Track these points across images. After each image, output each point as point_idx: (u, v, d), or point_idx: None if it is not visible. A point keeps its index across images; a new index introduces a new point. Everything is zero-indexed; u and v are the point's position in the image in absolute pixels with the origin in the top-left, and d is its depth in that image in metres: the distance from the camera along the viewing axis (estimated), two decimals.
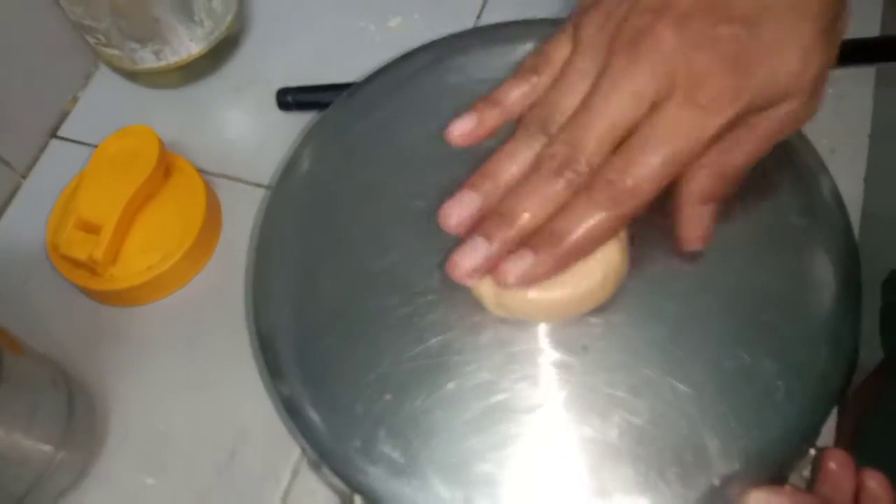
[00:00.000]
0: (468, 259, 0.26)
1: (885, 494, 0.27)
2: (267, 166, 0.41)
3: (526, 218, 0.26)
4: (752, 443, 0.26)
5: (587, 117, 0.26)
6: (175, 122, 0.43)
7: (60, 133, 0.45)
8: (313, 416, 0.29)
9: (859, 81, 0.41)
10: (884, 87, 0.42)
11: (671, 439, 0.27)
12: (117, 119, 0.40)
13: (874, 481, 0.27)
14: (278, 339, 0.31)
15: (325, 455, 0.29)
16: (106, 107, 0.45)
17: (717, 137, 0.25)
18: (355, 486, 0.28)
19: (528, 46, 0.35)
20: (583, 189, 0.26)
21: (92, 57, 0.46)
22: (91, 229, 0.37)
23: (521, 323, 0.29)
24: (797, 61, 0.25)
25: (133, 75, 0.44)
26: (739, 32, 0.25)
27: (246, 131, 0.44)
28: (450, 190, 0.31)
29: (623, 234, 0.29)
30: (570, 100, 0.27)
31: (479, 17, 0.45)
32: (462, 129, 0.29)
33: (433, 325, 0.30)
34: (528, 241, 0.26)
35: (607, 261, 0.28)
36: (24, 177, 0.43)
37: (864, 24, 0.42)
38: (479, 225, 0.27)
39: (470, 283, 0.27)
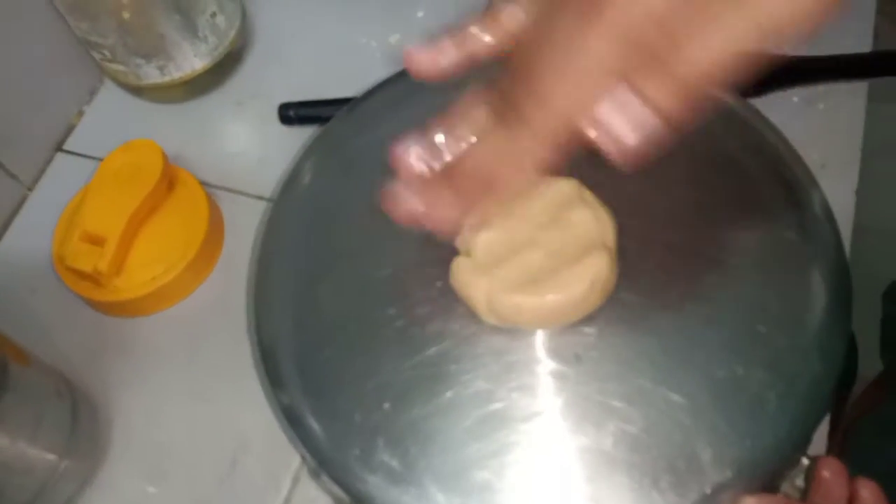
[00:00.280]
0: (413, 203, 0.26)
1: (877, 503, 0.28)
2: (269, 179, 0.42)
3: (464, 160, 0.25)
4: (743, 452, 0.27)
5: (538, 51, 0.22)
6: (179, 136, 0.44)
7: (66, 147, 0.45)
8: (313, 424, 0.30)
9: (851, 96, 0.42)
10: (876, 101, 0.43)
11: (664, 448, 0.27)
12: (122, 133, 0.41)
13: (867, 490, 0.28)
14: (279, 349, 0.31)
15: (324, 463, 0.29)
16: (111, 121, 0.46)
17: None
18: (354, 495, 0.29)
19: None
20: None
21: (97, 72, 0.47)
22: (96, 241, 0.37)
23: (516, 333, 0.30)
24: None
25: (138, 90, 0.45)
26: None
27: (248, 145, 0.45)
28: None
29: (612, 244, 0.30)
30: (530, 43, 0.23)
31: None
32: (424, 56, 0.27)
33: (430, 335, 0.30)
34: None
35: (595, 268, 0.29)
36: (30, 189, 0.44)
37: (856, 39, 0.43)
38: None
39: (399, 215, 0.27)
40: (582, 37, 0.21)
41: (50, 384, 0.33)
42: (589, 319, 0.30)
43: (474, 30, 0.26)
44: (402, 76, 0.37)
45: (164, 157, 0.39)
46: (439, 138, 0.27)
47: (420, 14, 0.47)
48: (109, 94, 0.47)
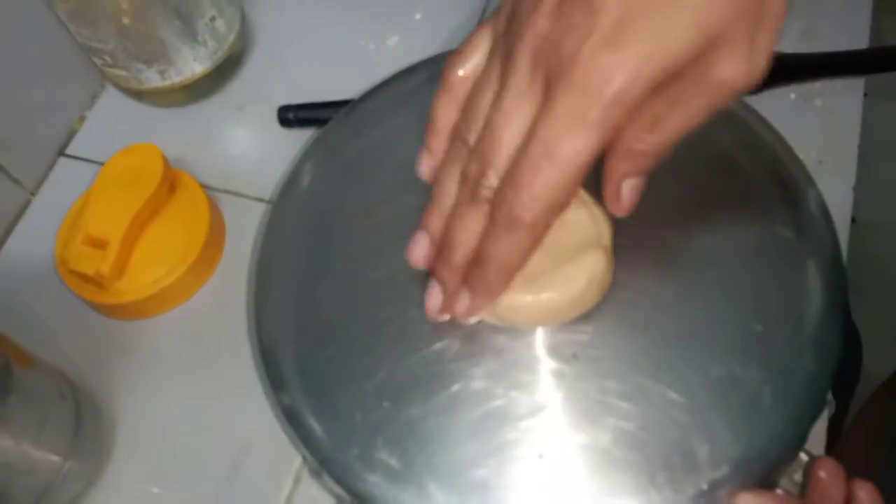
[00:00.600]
0: (431, 302, 0.29)
1: None
2: (269, 182, 0.42)
3: (460, 250, 0.26)
4: (740, 448, 0.27)
5: (489, 130, 0.24)
6: (180, 140, 0.44)
7: (68, 151, 0.46)
8: (313, 424, 0.30)
9: (848, 93, 0.42)
10: (873, 98, 0.43)
11: (661, 445, 0.27)
12: (123, 137, 0.41)
13: (864, 492, 0.28)
14: (279, 350, 0.32)
15: (324, 463, 0.30)
16: (112, 125, 0.46)
17: (610, 121, 0.22)
18: (355, 493, 0.29)
19: None
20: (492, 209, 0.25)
21: (99, 77, 0.47)
22: (98, 245, 0.38)
23: (514, 331, 0.30)
24: (687, 19, 0.21)
25: (139, 95, 0.45)
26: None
27: (249, 148, 0.45)
28: None
29: (608, 242, 0.30)
30: (482, 108, 0.25)
31: None
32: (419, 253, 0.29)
33: (429, 334, 0.31)
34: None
35: (591, 267, 0.29)
36: (33, 194, 0.44)
37: (852, 35, 0.43)
38: (434, 262, 0.28)
39: (443, 319, 0.29)
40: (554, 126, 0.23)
41: (53, 386, 0.34)
42: (586, 317, 0.30)
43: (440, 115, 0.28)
44: (399, 77, 0.38)
45: (165, 160, 0.39)
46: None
47: (418, 16, 0.47)
48: (111, 99, 0.47)
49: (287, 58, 0.47)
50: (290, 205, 0.35)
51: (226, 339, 0.38)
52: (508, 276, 0.27)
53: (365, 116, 0.37)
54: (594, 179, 0.31)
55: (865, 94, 0.42)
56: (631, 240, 0.31)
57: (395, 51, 0.46)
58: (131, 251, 0.39)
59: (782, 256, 0.31)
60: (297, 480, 0.35)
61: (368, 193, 0.35)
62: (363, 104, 0.37)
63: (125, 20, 0.40)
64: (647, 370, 0.29)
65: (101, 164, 0.40)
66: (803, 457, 0.29)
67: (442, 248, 0.27)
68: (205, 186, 0.42)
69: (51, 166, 0.45)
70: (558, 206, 0.24)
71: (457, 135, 0.26)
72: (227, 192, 0.43)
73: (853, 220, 0.38)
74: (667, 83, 0.22)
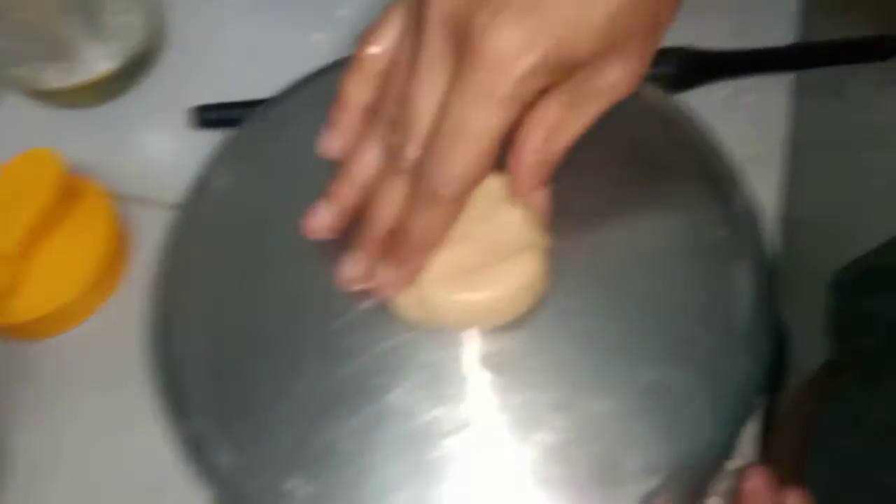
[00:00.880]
0: (349, 272, 0.28)
1: None
2: (184, 187, 0.39)
3: (383, 223, 0.26)
4: (669, 458, 0.26)
5: (407, 101, 0.24)
6: (88, 144, 0.42)
7: None
8: (219, 455, 0.28)
9: (776, 89, 0.41)
10: (803, 94, 0.43)
11: (590, 458, 0.26)
12: (25, 141, 0.38)
13: (793, 499, 0.27)
14: (181, 373, 0.29)
15: (235, 496, 0.27)
16: (12, 129, 0.43)
17: (519, 98, 0.22)
18: None
19: None
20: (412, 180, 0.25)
21: None
22: None
23: (440, 341, 0.28)
24: (602, 14, 0.21)
25: (41, 95, 0.42)
26: None
27: (162, 151, 0.42)
28: None
29: (542, 243, 0.29)
30: (401, 76, 0.25)
31: None
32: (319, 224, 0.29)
33: (349, 348, 0.29)
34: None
35: (527, 267, 0.28)
36: None
37: (781, 32, 0.43)
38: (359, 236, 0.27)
39: (352, 289, 0.28)
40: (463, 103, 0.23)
41: None
42: (517, 324, 0.29)
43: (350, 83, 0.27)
44: (319, 75, 0.36)
45: (62, 166, 0.36)
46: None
47: (342, 12, 0.46)
48: (12, 100, 0.44)
49: (204, 55, 0.44)
50: (198, 211, 0.33)
51: (130, 361, 0.35)
52: (429, 248, 0.26)
53: (282, 115, 0.34)
54: None
55: (796, 90, 0.42)
56: (560, 241, 0.30)
57: (318, 48, 0.44)
58: (26, 265, 0.36)
59: (711, 256, 0.30)
60: None
61: (284, 198, 0.32)
62: (280, 102, 0.35)
63: (20, 14, 0.38)
64: (575, 380, 0.27)
65: None
66: (736, 462, 0.29)
67: (366, 221, 0.27)
68: (115, 194, 0.39)
69: None
70: (474, 181, 0.24)
71: (377, 108, 0.26)
72: (139, 199, 0.40)
73: (782, 217, 0.38)
74: (559, 81, 0.23)
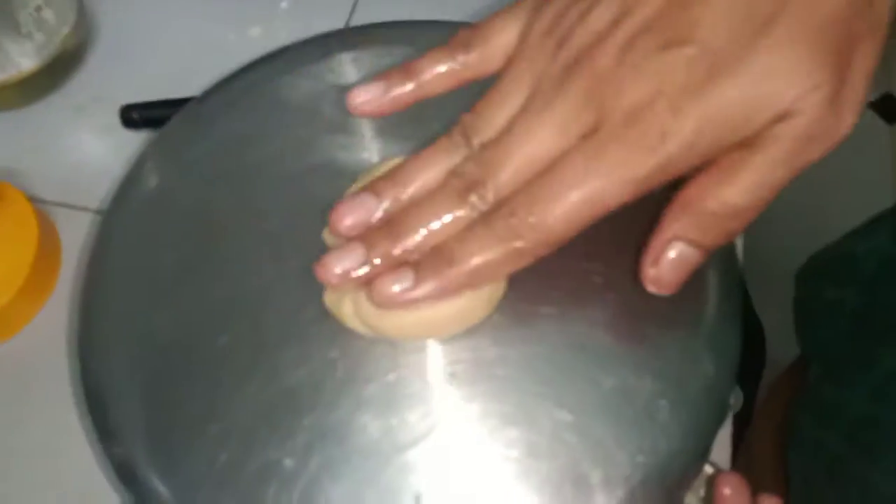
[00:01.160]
0: (340, 262, 0.23)
1: None
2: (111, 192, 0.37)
3: (416, 236, 0.23)
4: (636, 468, 0.24)
5: (507, 142, 0.23)
6: (9, 147, 0.39)
7: None
8: (151, 479, 0.25)
9: None
10: None
11: (551, 472, 0.24)
12: None
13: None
14: (109, 392, 0.27)
15: None
16: None
17: (652, 178, 0.21)
18: None
19: (395, 50, 0.33)
20: (484, 217, 0.22)
21: None
22: None
23: (386, 353, 0.26)
24: (772, 79, 0.20)
25: None
26: (693, 54, 0.20)
27: (90, 154, 0.39)
28: (304, 208, 0.28)
29: None
30: (499, 113, 0.23)
31: (347, 24, 0.43)
32: (365, 97, 0.24)
33: (287, 361, 0.26)
34: (413, 261, 0.23)
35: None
36: None
37: None
38: (367, 231, 0.23)
39: (333, 286, 0.24)
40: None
41: None
42: (472, 330, 0.27)
43: (436, 69, 0.24)
44: (248, 70, 0.33)
45: None
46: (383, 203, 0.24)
47: (283, 5, 0.43)
48: None
49: (135, 52, 0.42)
50: (123, 216, 0.30)
51: (63, 381, 0.32)
52: (471, 283, 0.23)
53: (210, 113, 0.32)
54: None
55: None
56: None
57: (257, 42, 0.42)
58: None
59: None
60: None
61: (215, 200, 0.30)
62: (208, 99, 0.32)
63: None
64: (533, 388, 0.25)
65: None
66: (708, 469, 0.27)
67: (391, 224, 0.23)
68: (38, 199, 0.36)
69: None
70: (565, 239, 0.22)
71: (458, 129, 0.24)
72: (64, 205, 0.37)
73: None
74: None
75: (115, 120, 0.39)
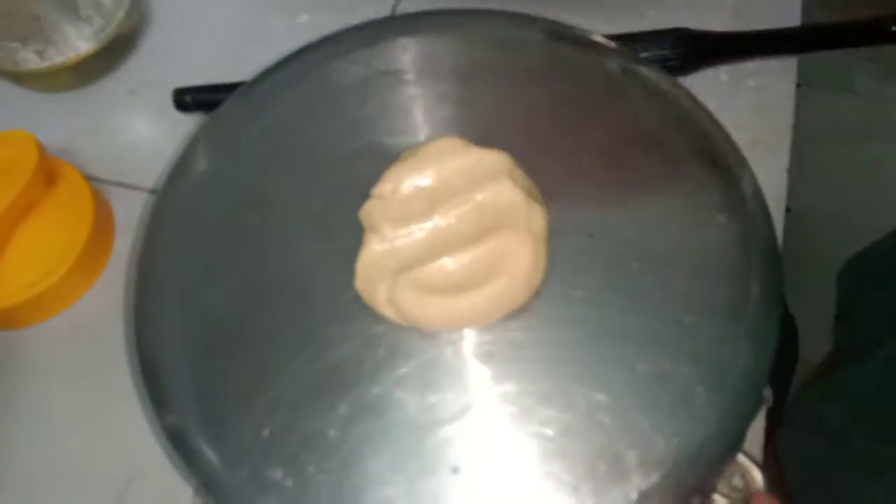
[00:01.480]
0: None
1: None
2: (165, 172, 0.38)
3: None
4: (670, 452, 0.25)
5: None
6: (66, 127, 0.40)
7: None
8: (201, 445, 0.26)
9: (780, 73, 0.40)
10: (806, 86, 0.41)
11: (586, 452, 0.25)
12: (1, 124, 0.37)
13: None
14: (162, 363, 0.28)
15: (213, 487, 0.26)
16: None
17: None
18: None
19: (441, 37, 0.33)
20: None
21: None
22: None
23: (425, 333, 0.27)
24: None
25: (18, 77, 0.41)
26: None
27: (143, 135, 0.41)
28: (350, 189, 0.29)
29: (539, 230, 0.27)
30: None
31: (393, 12, 0.43)
32: None
33: (331, 338, 0.27)
34: None
35: (514, 267, 0.26)
36: None
37: (784, 14, 0.42)
38: None
39: None
40: None
41: None
42: (509, 315, 0.27)
43: None
44: (298, 55, 0.34)
45: (40, 149, 0.35)
46: None
47: None
48: None
49: (187, 37, 0.43)
50: (177, 196, 0.31)
51: (113, 351, 0.34)
52: None
53: (261, 97, 0.33)
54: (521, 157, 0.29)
55: (798, 85, 0.40)
56: (555, 228, 0.28)
57: (305, 29, 0.42)
58: (3, 251, 0.34)
59: (714, 242, 0.29)
60: None
61: (264, 181, 0.31)
62: (259, 84, 0.33)
63: None
64: (571, 369, 0.26)
65: None
66: (741, 458, 0.27)
67: None
68: (93, 178, 0.38)
69: None
70: None
71: None
72: (118, 184, 0.39)
73: (788, 205, 0.36)
74: None
75: (168, 103, 0.40)
